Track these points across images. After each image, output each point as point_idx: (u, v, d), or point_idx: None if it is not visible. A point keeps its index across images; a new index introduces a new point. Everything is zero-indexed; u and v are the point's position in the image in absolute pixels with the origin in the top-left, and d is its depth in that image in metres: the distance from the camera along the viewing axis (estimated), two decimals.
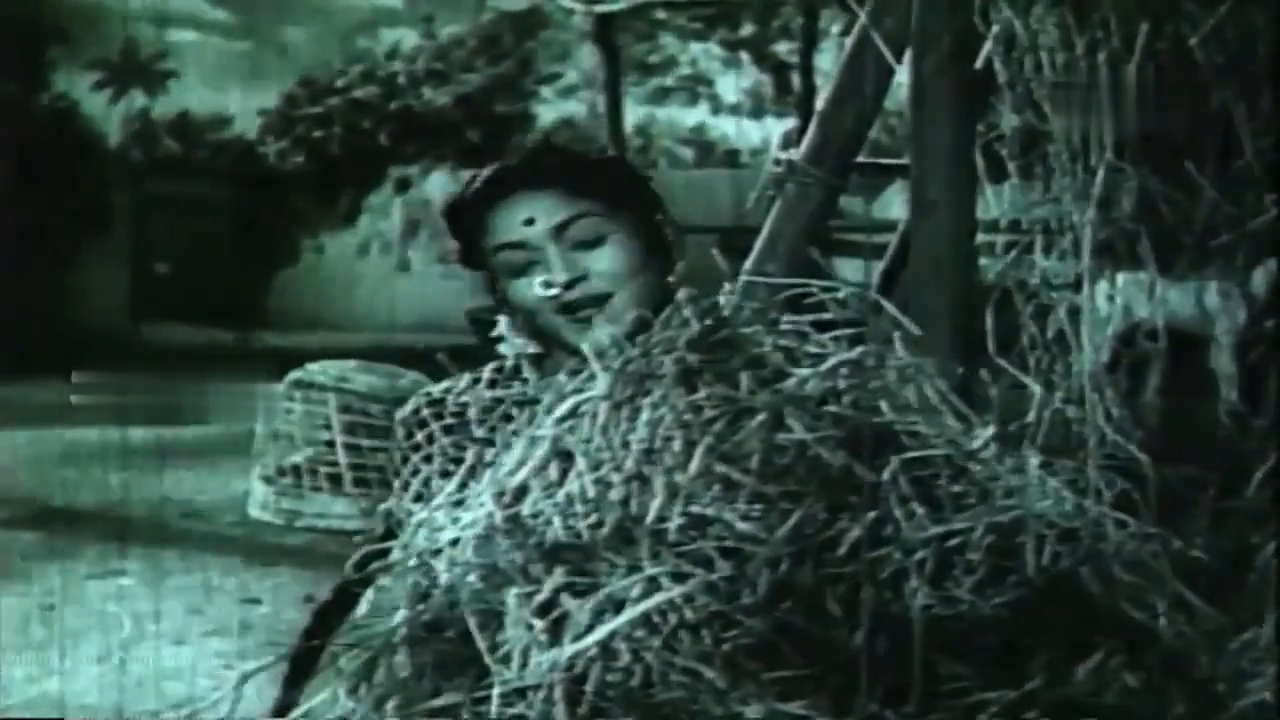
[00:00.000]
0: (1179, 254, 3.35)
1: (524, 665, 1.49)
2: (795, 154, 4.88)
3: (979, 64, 3.69)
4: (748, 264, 4.81)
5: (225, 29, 13.86)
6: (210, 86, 13.46)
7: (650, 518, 1.52)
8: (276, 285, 13.52)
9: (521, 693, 1.49)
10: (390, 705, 1.54)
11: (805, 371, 1.62)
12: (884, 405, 1.62)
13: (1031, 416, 3.26)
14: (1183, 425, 3.35)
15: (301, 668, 1.83)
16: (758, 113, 13.85)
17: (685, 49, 14.01)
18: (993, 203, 3.61)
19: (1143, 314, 3.34)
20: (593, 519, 1.53)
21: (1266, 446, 3.26)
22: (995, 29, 3.42)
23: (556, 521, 1.54)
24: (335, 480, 7.32)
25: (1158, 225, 3.32)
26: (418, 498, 1.74)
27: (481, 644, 1.51)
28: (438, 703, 1.53)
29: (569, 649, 1.47)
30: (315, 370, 7.57)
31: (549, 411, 1.62)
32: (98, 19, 13.40)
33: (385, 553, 1.63)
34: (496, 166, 2.10)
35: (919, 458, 1.58)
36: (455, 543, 1.56)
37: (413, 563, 1.59)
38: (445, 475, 1.73)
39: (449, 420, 1.96)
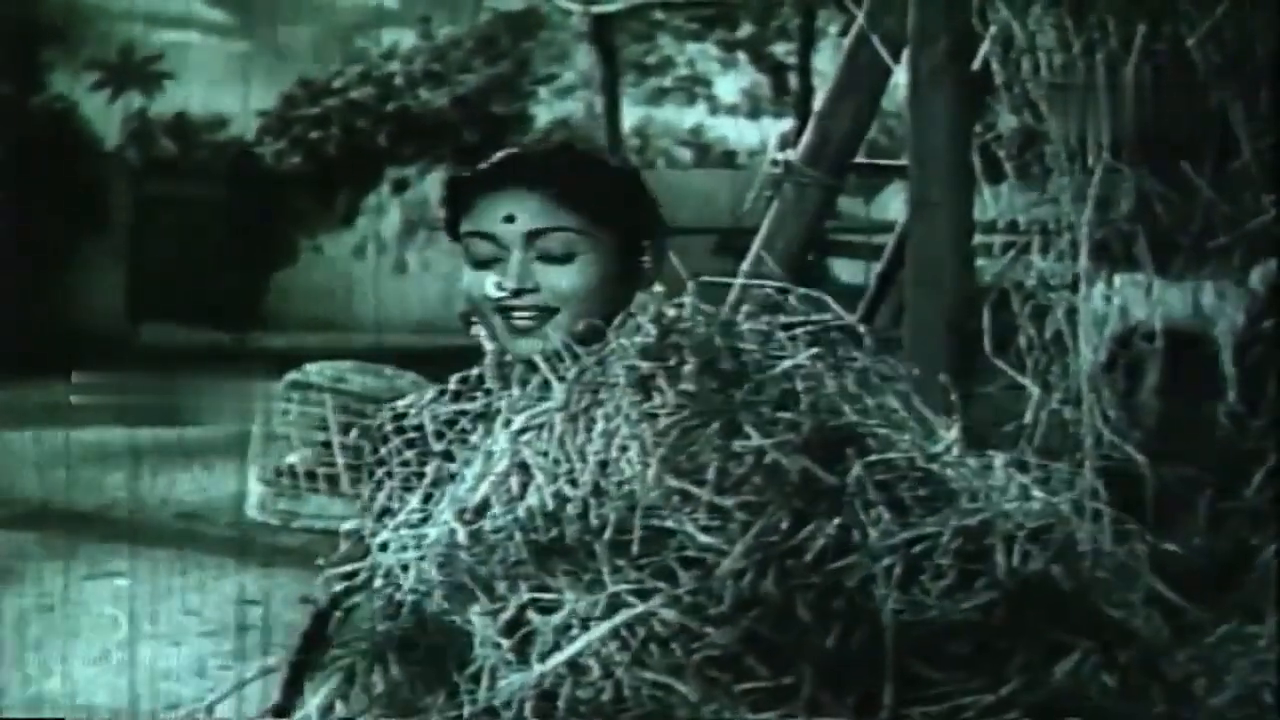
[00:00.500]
0: (1176, 254, 3.35)
1: (493, 685, 1.47)
2: (793, 155, 4.89)
3: (976, 65, 3.69)
4: (745, 264, 4.82)
5: (223, 30, 13.85)
6: (208, 87, 13.46)
7: (608, 532, 1.49)
8: (274, 286, 13.51)
9: (493, 710, 1.47)
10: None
11: (760, 377, 1.60)
12: (846, 408, 1.59)
13: (1029, 417, 3.27)
14: (1180, 426, 3.35)
15: (299, 670, 1.82)
16: (755, 113, 13.86)
17: (683, 50, 14.01)
18: (990, 203, 3.61)
19: (1140, 315, 3.34)
20: (553, 533, 1.51)
21: (1265, 447, 3.26)
22: (993, 29, 3.42)
23: (518, 536, 1.52)
24: (332, 481, 7.32)
25: (1155, 226, 3.32)
26: (382, 514, 1.73)
27: (449, 663, 1.50)
28: None
29: (538, 669, 1.46)
30: (313, 371, 7.57)
31: (506, 425, 1.61)
32: (95, 19, 13.40)
33: (354, 573, 1.62)
34: (510, 152, 2.09)
35: (883, 460, 1.55)
36: (421, 559, 1.55)
37: (379, 582, 1.58)
38: (407, 490, 1.72)
39: (410, 435, 1.94)
